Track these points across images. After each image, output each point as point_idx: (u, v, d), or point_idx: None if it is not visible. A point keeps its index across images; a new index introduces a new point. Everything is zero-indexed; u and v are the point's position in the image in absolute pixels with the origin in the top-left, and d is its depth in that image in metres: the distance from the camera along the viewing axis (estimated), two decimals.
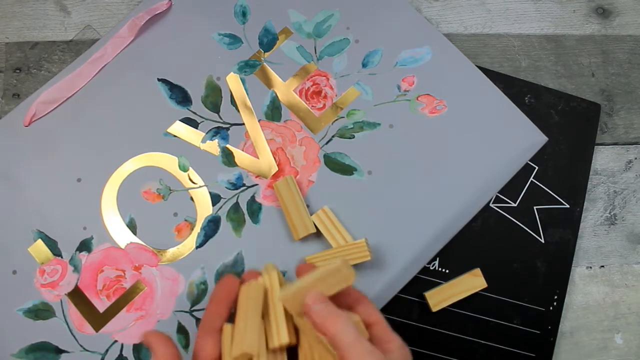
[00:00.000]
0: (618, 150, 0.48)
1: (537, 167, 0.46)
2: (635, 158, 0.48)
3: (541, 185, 0.46)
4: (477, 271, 0.44)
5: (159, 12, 0.46)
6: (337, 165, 0.44)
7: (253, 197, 0.43)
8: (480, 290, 0.44)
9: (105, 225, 0.42)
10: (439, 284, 0.44)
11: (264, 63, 0.46)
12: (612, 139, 0.48)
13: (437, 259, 0.44)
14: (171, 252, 0.42)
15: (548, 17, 0.50)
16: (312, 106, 0.45)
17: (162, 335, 0.33)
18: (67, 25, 0.48)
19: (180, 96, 0.45)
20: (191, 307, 0.41)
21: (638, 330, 0.45)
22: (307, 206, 0.42)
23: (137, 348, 0.41)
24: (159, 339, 0.33)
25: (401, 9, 0.47)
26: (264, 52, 0.46)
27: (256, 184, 0.43)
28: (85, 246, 0.42)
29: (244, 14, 0.47)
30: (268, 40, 0.46)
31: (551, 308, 0.44)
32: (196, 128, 0.44)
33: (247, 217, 0.43)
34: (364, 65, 0.46)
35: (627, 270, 0.46)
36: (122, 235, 0.42)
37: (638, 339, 0.45)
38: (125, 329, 0.41)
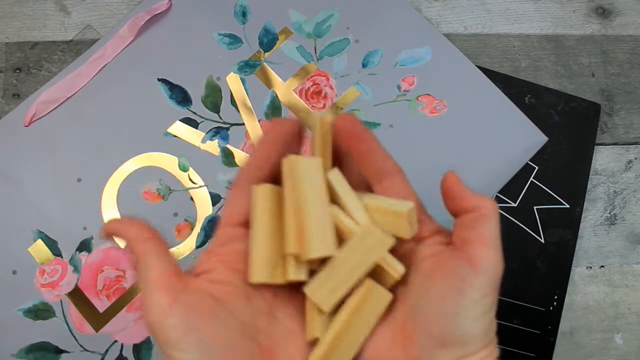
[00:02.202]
0: (618, 150, 0.48)
1: (537, 167, 0.46)
2: (635, 158, 0.48)
3: (541, 185, 0.46)
4: None
5: (159, 12, 0.46)
6: None
7: None
8: None
9: None
10: None
11: (264, 63, 0.46)
12: (612, 139, 0.48)
13: None
14: (171, 252, 0.42)
15: (548, 17, 0.50)
16: (312, 106, 0.45)
17: (126, 218, 0.26)
18: (67, 25, 0.48)
19: (180, 96, 0.45)
20: None
21: (638, 330, 0.45)
22: None
23: (137, 348, 0.41)
24: (123, 222, 0.25)
25: (401, 9, 0.47)
26: (264, 52, 0.46)
27: None
28: (85, 246, 0.42)
29: (244, 14, 0.47)
30: (268, 40, 0.46)
31: (551, 308, 0.44)
32: (196, 128, 0.44)
33: None
34: (364, 65, 0.46)
35: (627, 270, 0.46)
36: None
37: (638, 339, 0.45)
38: (125, 329, 0.41)
